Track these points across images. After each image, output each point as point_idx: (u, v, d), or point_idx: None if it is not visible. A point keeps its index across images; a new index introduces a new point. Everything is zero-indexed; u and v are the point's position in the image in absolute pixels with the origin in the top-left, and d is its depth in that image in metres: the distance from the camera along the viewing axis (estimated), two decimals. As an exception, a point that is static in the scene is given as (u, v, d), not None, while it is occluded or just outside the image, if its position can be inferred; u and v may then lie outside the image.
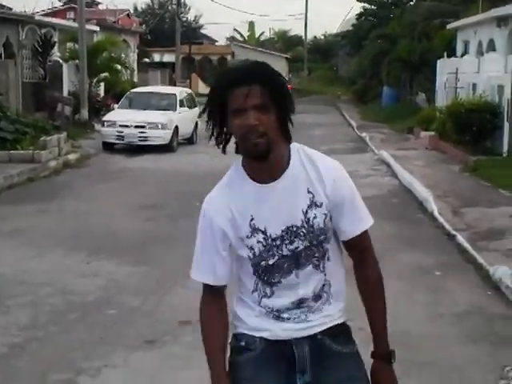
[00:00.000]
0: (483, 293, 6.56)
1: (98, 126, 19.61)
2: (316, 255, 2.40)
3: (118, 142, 18.19)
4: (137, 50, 37.36)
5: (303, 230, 2.36)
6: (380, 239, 9.05)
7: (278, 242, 2.37)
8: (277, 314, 2.44)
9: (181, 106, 19.51)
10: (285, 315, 2.43)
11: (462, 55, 21.99)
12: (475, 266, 7.34)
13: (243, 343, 2.46)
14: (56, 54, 23.14)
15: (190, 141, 20.09)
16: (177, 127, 18.58)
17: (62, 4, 43.32)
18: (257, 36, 61.03)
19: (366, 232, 2.47)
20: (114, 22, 36.62)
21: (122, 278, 6.98)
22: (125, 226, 9.32)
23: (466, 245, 8.01)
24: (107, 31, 29.52)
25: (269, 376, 2.41)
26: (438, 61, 21.33)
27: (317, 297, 2.44)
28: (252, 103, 2.23)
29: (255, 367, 2.42)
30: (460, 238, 8.33)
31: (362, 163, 15.66)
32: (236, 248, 2.41)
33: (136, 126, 17.94)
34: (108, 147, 18.06)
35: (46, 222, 9.59)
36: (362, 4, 39.60)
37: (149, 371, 4.84)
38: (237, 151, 2.38)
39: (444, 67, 20.26)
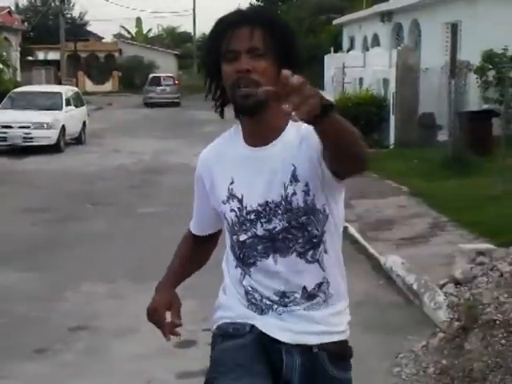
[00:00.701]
0: (375, 282, 6.70)
1: (-20, 128, 18.75)
2: (299, 241, 2.07)
3: (0, 143, 17.48)
4: (19, 48, 36.15)
5: (281, 207, 2.06)
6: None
7: (253, 217, 2.09)
8: (260, 299, 2.13)
9: (67, 105, 18.98)
10: (267, 301, 2.12)
11: (349, 50, 22.50)
12: (367, 256, 7.49)
13: (231, 329, 2.16)
14: None
15: (78, 140, 19.59)
16: (63, 127, 18.05)
17: None
18: (144, 32, 60.27)
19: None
20: (-5, 19, 35.22)
21: (11, 285, 6.68)
22: (11, 231, 8.95)
23: (357, 235, 8.16)
24: (-13, 29, 28.36)
25: (259, 366, 2.08)
26: (326, 56, 21.75)
27: (309, 296, 2.11)
28: (245, 46, 1.98)
29: (246, 352, 2.10)
30: (351, 229, 8.48)
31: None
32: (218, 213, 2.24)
33: (20, 127, 17.31)
34: (-9, 149, 17.34)
35: None
36: (249, 0, 39.83)
37: (39, 382, 4.64)
38: (218, 107, 2.16)
39: (331, 62, 20.67)
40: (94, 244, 8.23)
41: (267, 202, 2.08)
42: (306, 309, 2.12)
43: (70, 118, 18.77)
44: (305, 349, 2.11)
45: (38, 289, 6.56)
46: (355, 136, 1.90)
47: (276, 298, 2.12)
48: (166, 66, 50.30)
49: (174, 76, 40.52)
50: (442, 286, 5.82)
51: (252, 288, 2.14)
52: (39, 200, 11.14)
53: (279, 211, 2.07)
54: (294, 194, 2.05)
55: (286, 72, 1.65)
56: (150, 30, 61.51)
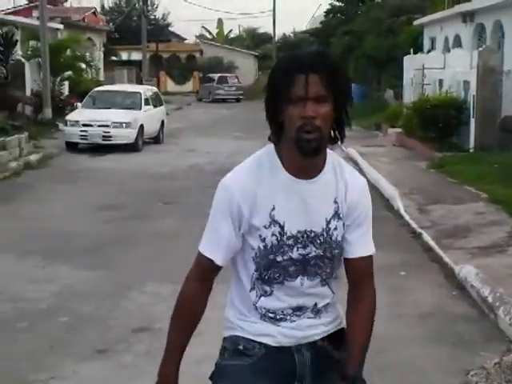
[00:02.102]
0: (447, 293, 6.43)
1: (61, 126, 19.23)
2: (327, 270, 2.32)
3: (81, 141, 17.85)
4: (103, 49, 36.93)
5: (321, 238, 2.27)
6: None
7: (291, 242, 2.25)
8: (272, 316, 2.32)
9: (146, 105, 19.21)
10: (280, 316, 2.32)
11: (429, 51, 21.99)
12: (440, 265, 7.21)
13: (241, 347, 2.33)
14: (18, 53, 22.68)
15: (156, 140, 19.81)
16: (142, 126, 18.29)
17: (26, 2, 42.66)
18: (225, 33, 60.73)
19: (371, 257, 2.36)
20: (80, 20, 36.10)
21: (77, 283, 6.73)
22: (83, 229, 9.05)
23: (432, 243, 7.89)
24: (72, 29, 29.08)
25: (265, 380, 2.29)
26: (405, 57, 21.30)
27: (317, 311, 2.36)
28: (313, 93, 2.11)
29: (251, 375, 2.29)
30: (425, 236, 8.21)
31: (329, 161, 15.51)
32: (246, 236, 2.26)
33: (100, 126, 17.63)
34: (71, 147, 17.71)
35: (1, 225, 9.28)
36: (330, 1, 39.53)
37: (99, 383, 4.61)
38: (274, 140, 2.27)
39: (410, 63, 20.22)
40: (162, 243, 8.23)
41: (306, 230, 2.26)
42: (312, 316, 2.35)
43: (149, 117, 18.99)
44: (311, 345, 2.35)
45: (103, 288, 6.58)
46: (371, 324, 2.37)
47: (290, 312, 2.32)
48: (245, 67, 50.59)
49: (237, 76, 45.89)
50: (518, 300, 5.52)
51: (265, 308, 2.31)
52: (113, 197, 11.27)
53: (318, 241, 2.27)
54: (336, 229, 2.28)
55: None
56: (230, 30, 61.99)
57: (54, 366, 4.86)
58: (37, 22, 22.99)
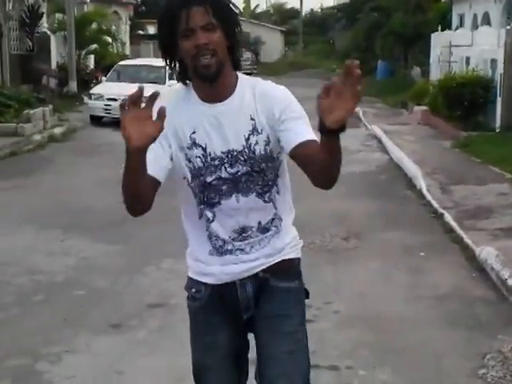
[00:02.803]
0: (467, 274, 6.33)
1: (86, 99, 19.26)
2: (259, 183, 2.44)
3: (105, 115, 17.85)
4: (129, 22, 36.82)
5: (244, 155, 2.40)
6: (363, 217, 8.94)
7: (217, 163, 2.41)
8: (221, 245, 2.50)
9: (170, 79, 19.13)
10: (229, 246, 2.50)
11: (457, 28, 21.65)
12: (461, 246, 7.10)
13: (193, 290, 2.61)
14: (44, 26, 22.68)
15: (180, 114, 19.76)
16: (165, 100, 18.23)
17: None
18: (252, 8, 60.33)
19: (313, 141, 2.29)
20: (106, -7, 35.96)
21: (94, 257, 6.74)
22: (104, 203, 9.03)
23: (453, 224, 7.77)
24: (98, 2, 29.01)
25: (217, 322, 2.59)
26: (432, 34, 20.99)
27: (264, 229, 2.51)
28: (201, 23, 2.29)
29: (203, 315, 2.60)
30: (447, 217, 8.09)
31: (354, 138, 15.32)
32: (178, 160, 2.43)
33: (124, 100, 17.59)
34: (95, 121, 17.75)
35: (22, 198, 9.33)
36: (358, -24, 39.00)
37: (111, 357, 4.60)
38: (181, 80, 2.45)
39: (438, 41, 19.93)
40: (181, 220, 8.20)
41: (229, 150, 2.40)
42: (259, 238, 2.50)
43: (173, 91, 18.90)
44: (253, 277, 2.53)
45: (119, 262, 6.59)
46: (340, 161, 2.21)
47: (236, 235, 2.49)
48: (271, 43, 50.24)
49: (253, 49, 45.64)
50: (538, 283, 5.43)
51: (215, 235, 2.50)
52: (135, 173, 11.24)
53: (242, 158, 2.41)
54: (257, 143, 2.40)
55: (352, 62, 1.97)
56: (257, 5, 61.62)
57: (68, 339, 4.87)
58: (63, -5, 22.96)
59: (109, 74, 19.76)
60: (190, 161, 2.43)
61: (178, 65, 2.42)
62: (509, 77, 13.69)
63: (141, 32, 42.51)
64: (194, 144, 2.41)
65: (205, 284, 2.57)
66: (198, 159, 2.41)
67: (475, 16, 20.84)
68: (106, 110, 17.64)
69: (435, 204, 8.79)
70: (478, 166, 11.24)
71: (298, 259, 2.63)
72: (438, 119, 16.10)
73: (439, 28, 20.69)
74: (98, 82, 20.89)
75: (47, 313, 5.36)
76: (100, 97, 17.71)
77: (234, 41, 2.39)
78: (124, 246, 7.12)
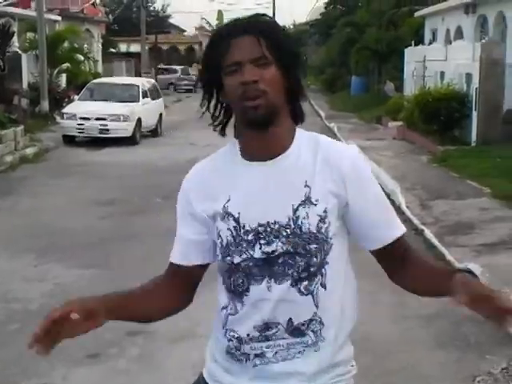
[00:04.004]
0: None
1: (58, 119, 19.04)
2: (299, 270, 1.84)
3: (78, 134, 17.65)
4: (101, 40, 36.67)
5: (287, 230, 1.83)
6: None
7: (251, 238, 1.85)
8: (237, 346, 1.90)
9: (144, 97, 19.02)
10: (245, 348, 1.89)
11: (430, 43, 21.78)
12: (444, 263, 6.99)
13: None
14: (15, 45, 22.44)
15: (154, 133, 19.63)
16: (140, 119, 18.09)
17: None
18: (225, 25, 60.38)
19: (402, 238, 1.93)
20: (78, 11, 35.83)
21: (70, 283, 6.54)
22: (79, 225, 8.87)
23: (434, 240, 7.70)
24: (70, 21, 28.84)
25: None
26: (406, 49, 21.09)
27: (295, 331, 1.86)
28: (250, 56, 1.80)
29: None
30: (428, 233, 8.02)
31: (330, 154, 15.33)
32: (210, 236, 1.96)
33: (97, 118, 17.43)
34: (68, 140, 17.52)
35: (-5, 222, 9.11)
36: (330, -8, 39.35)
37: (90, 389, 4.43)
38: (236, 134, 1.95)
39: (412, 56, 20.02)
40: (159, 240, 8.01)
41: (268, 222, 1.85)
42: (288, 348, 1.87)
43: (147, 110, 18.80)
44: None
45: (97, 287, 6.36)
46: None
47: (256, 334, 1.87)
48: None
49: (188, 68, 46.92)
50: (525, 301, 5.33)
51: (232, 331, 1.91)
52: (110, 192, 11.08)
53: (284, 233, 1.84)
54: (307, 217, 1.83)
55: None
56: (230, 22, 61.58)
57: (45, 371, 4.67)
58: (34, 14, 22.74)
59: (81, 92, 19.58)
60: (219, 235, 1.91)
61: (221, 111, 1.95)
62: (484, 91, 13.75)
63: (113, 50, 42.41)
64: (227, 214, 1.89)
65: None
66: (229, 233, 1.88)
67: (448, 30, 20.99)
68: (79, 129, 17.43)
69: (415, 220, 8.72)
70: (456, 180, 11.22)
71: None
72: (414, 134, 16.12)
73: (413, 43, 20.80)
74: (71, 101, 20.69)
75: (22, 343, 5.09)
76: (73, 116, 17.50)
77: (294, 84, 1.87)
78: (101, 269, 6.93)
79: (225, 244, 1.90)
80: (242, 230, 1.87)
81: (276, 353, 1.87)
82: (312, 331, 1.87)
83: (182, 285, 2.03)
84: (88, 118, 17.42)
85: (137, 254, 7.48)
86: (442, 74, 16.71)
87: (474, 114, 14.15)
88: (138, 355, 4.91)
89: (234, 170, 1.93)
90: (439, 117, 14.55)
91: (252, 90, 1.80)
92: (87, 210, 9.81)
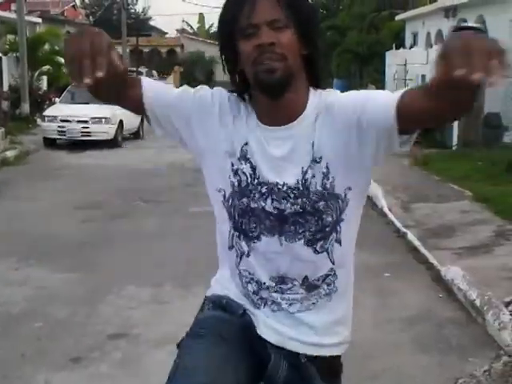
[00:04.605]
0: (434, 295, 6.27)
1: (39, 121, 18.93)
2: (312, 229, 1.86)
3: (59, 137, 17.56)
4: (82, 43, 36.50)
5: (295, 191, 1.85)
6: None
7: (264, 190, 1.87)
8: (255, 290, 1.94)
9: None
10: (264, 294, 1.93)
11: (411, 47, 21.90)
12: (426, 266, 7.05)
13: (224, 302, 1.99)
14: (-5, 47, 22.36)
15: (136, 135, 19.59)
16: (121, 121, 18.04)
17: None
18: (207, 28, 60.40)
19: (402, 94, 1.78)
20: (59, 13, 35.68)
21: (53, 286, 6.49)
22: (61, 228, 8.81)
23: (417, 243, 7.73)
24: (51, 23, 28.70)
25: (241, 350, 1.89)
26: (387, 52, 21.23)
27: (310, 286, 1.92)
28: (268, 17, 1.75)
29: (232, 329, 1.93)
30: (410, 236, 8.05)
31: (312, 157, 15.37)
32: (218, 162, 1.92)
33: (78, 121, 17.35)
34: (49, 143, 17.44)
35: (-25, 225, 9.02)
36: (312, -5, 39.46)
37: (72, 394, 4.40)
38: (240, 94, 1.92)
39: (393, 59, 20.14)
40: (142, 244, 8.01)
41: (278, 183, 1.87)
42: (303, 297, 1.93)
43: (129, 112, 18.66)
44: (292, 354, 1.95)
45: (79, 291, 6.35)
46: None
47: (272, 284, 1.92)
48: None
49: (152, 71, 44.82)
50: (507, 304, 5.37)
51: (248, 273, 1.95)
52: (92, 195, 11.03)
53: (292, 195, 1.86)
54: (313, 176, 1.85)
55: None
56: (212, 25, 61.59)
57: (27, 376, 4.63)
58: (15, 16, 22.61)
59: (62, 95, 19.48)
60: (236, 173, 1.90)
61: (239, 79, 1.90)
62: (465, 94, 13.82)
63: (94, 52, 42.26)
64: (245, 158, 1.89)
65: (244, 310, 1.98)
66: (245, 176, 1.88)
67: (429, 34, 21.12)
68: (60, 131, 17.35)
69: (397, 223, 8.76)
70: (438, 183, 11.28)
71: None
72: (395, 137, 16.19)
73: (394, 46, 20.91)
74: (52, 104, 20.58)
75: (4, 347, 5.10)
76: (54, 118, 17.42)
77: (313, 48, 1.84)
78: (83, 273, 6.89)
79: (243, 185, 1.89)
80: (257, 180, 1.88)
81: (290, 304, 1.93)
82: (326, 284, 1.93)
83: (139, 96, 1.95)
84: (69, 121, 17.34)
85: (120, 257, 7.44)
86: (424, 77, 16.81)
87: (455, 117, 14.24)
88: (120, 359, 4.87)
89: (251, 125, 1.89)
90: (420, 120, 14.63)
91: (268, 53, 1.75)
92: (69, 213, 9.75)
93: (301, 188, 1.85)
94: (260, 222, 1.89)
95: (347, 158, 1.85)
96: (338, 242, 1.90)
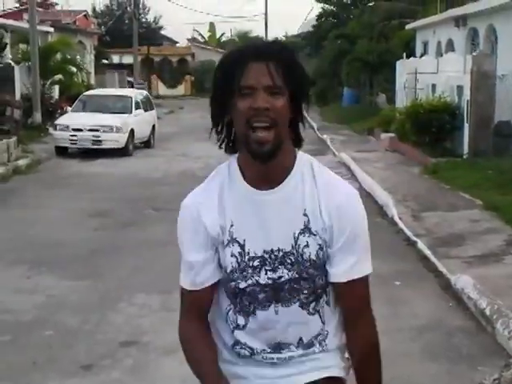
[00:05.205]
0: (444, 304, 6.26)
1: (51, 130, 19.02)
2: (305, 292, 1.97)
3: (71, 146, 17.63)
4: (94, 52, 36.71)
5: (291, 257, 1.93)
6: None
7: (256, 264, 1.94)
8: (249, 354, 2.03)
9: (137, 109, 19.03)
10: (258, 357, 2.03)
11: (421, 56, 21.89)
12: (436, 275, 7.04)
13: None
14: (8, 56, 22.48)
15: (146, 144, 19.63)
16: (132, 130, 18.10)
17: (17, 5, 42.39)
18: (217, 37, 60.58)
19: (360, 282, 1.99)
20: (71, 23, 35.89)
21: (63, 294, 6.53)
22: (72, 236, 8.86)
23: (427, 252, 7.72)
24: (62, 32, 28.87)
25: None
26: (397, 62, 21.19)
27: (305, 345, 2.04)
28: (266, 83, 1.84)
29: None
30: (420, 245, 8.05)
31: (322, 166, 15.34)
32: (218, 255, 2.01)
33: (90, 130, 17.42)
34: (61, 152, 17.49)
35: (-13, 233, 9.08)
36: (322, 4, 39.44)
37: (83, 401, 4.43)
38: (229, 149, 2.01)
39: (403, 68, 20.11)
40: (152, 252, 8.05)
41: (273, 249, 1.94)
42: (299, 355, 2.04)
43: (140, 121, 18.81)
44: None
45: (90, 299, 6.39)
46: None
47: (269, 350, 2.03)
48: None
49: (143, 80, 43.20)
50: (517, 313, 5.37)
51: (244, 341, 2.03)
52: (103, 204, 11.08)
53: (288, 261, 1.94)
54: (307, 246, 1.94)
55: None
56: (222, 34, 61.85)
57: (37, 382, 4.67)
58: (27, 25, 22.77)
59: (74, 104, 19.58)
60: (224, 261, 1.99)
61: (225, 128, 1.99)
62: (475, 103, 13.82)
63: (105, 61, 42.45)
64: (232, 239, 1.96)
65: None
66: (234, 259, 1.95)
67: (439, 43, 21.10)
68: (72, 140, 17.42)
69: (408, 232, 8.75)
70: (448, 192, 11.26)
71: (345, 381, 2.17)
72: (405, 146, 16.18)
73: (404, 55, 20.90)
74: (64, 113, 20.70)
75: (14, 355, 5.14)
76: (65, 127, 17.49)
77: (299, 114, 1.94)
78: (94, 281, 6.93)
79: (229, 270, 1.96)
80: (247, 256, 1.95)
81: (287, 362, 2.04)
82: (318, 342, 2.05)
83: (204, 312, 2.08)
84: (81, 130, 17.42)
85: (129, 266, 7.48)
86: (434, 86, 16.79)
87: (466, 125, 14.22)
88: (131, 366, 4.90)
89: (237, 195, 1.97)
90: (431, 129, 14.62)
91: (262, 117, 1.83)
92: (80, 221, 9.80)
93: (295, 254, 1.94)
94: (253, 298, 1.98)
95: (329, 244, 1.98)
96: (328, 303, 2.04)
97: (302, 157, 2.00)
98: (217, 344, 2.08)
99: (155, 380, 4.70)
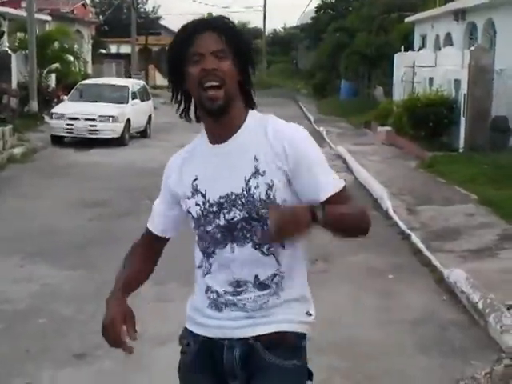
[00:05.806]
0: (437, 298, 6.29)
1: (47, 119, 18.98)
2: (257, 233, 2.20)
3: (67, 135, 17.60)
4: (91, 41, 36.58)
5: (242, 199, 2.20)
6: (328, 239, 8.85)
7: (215, 209, 2.24)
8: (215, 298, 2.29)
9: (133, 99, 18.99)
10: (222, 299, 2.28)
11: (420, 49, 21.87)
12: (430, 269, 7.07)
13: (185, 342, 2.39)
14: (5, 44, 22.39)
15: (143, 134, 19.61)
16: (129, 120, 18.07)
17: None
18: (215, 28, 60.35)
19: (337, 195, 2.19)
20: (69, 12, 35.72)
21: (58, 284, 6.54)
22: (67, 226, 8.86)
23: (421, 245, 7.75)
24: (60, 21, 28.77)
25: (202, 382, 2.34)
26: (395, 55, 21.16)
27: (261, 285, 2.24)
28: (212, 48, 2.15)
29: (189, 372, 2.38)
30: (414, 238, 8.07)
31: (318, 158, 15.34)
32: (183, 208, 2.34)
33: (86, 119, 17.39)
34: (57, 140, 17.46)
35: (-18, 222, 9.08)
36: (321, -3, 39.42)
37: (75, 390, 4.44)
38: (187, 118, 2.31)
39: (401, 61, 20.09)
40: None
41: (228, 194, 2.21)
42: (256, 296, 2.24)
43: (136, 111, 18.78)
44: (244, 341, 2.25)
45: (84, 289, 6.40)
46: (357, 220, 2.23)
47: (230, 289, 2.25)
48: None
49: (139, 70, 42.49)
50: (509, 307, 5.39)
51: (211, 285, 2.30)
52: (98, 193, 11.07)
53: (239, 202, 2.20)
54: (257, 187, 2.18)
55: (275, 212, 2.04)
56: (220, 24, 61.59)
57: (31, 371, 4.68)
58: (25, 14, 22.66)
59: (71, 93, 19.54)
60: (189, 211, 2.30)
61: (183, 97, 2.27)
62: (473, 97, 13.83)
63: (103, 51, 42.29)
64: (196, 191, 2.27)
65: (195, 337, 2.34)
66: (198, 208, 2.26)
67: (437, 37, 21.09)
68: (68, 129, 17.39)
69: (402, 225, 8.77)
70: (443, 186, 11.28)
71: (301, 335, 2.29)
72: (402, 139, 16.19)
73: (402, 48, 20.88)
74: (60, 102, 20.63)
75: (8, 343, 5.16)
76: (61, 116, 17.45)
77: (246, 76, 2.22)
78: (89, 270, 6.94)
79: (196, 217, 2.28)
80: (208, 203, 2.25)
81: (245, 304, 2.24)
82: (274, 283, 2.24)
83: (157, 251, 2.55)
84: (77, 119, 17.39)
85: (122, 256, 7.47)
86: (431, 79, 16.79)
87: (462, 120, 14.23)
88: (124, 356, 4.90)
89: (201, 152, 2.29)
90: (427, 122, 14.62)
91: (211, 76, 2.13)
92: (75, 211, 9.80)
93: (246, 195, 2.19)
94: (213, 238, 2.26)
95: (286, 184, 2.20)
96: (282, 246, 2.22)
97: (256, 114, 2.27)
98: (195, 291, 2.39)
99: (148, 370, 4.71)
